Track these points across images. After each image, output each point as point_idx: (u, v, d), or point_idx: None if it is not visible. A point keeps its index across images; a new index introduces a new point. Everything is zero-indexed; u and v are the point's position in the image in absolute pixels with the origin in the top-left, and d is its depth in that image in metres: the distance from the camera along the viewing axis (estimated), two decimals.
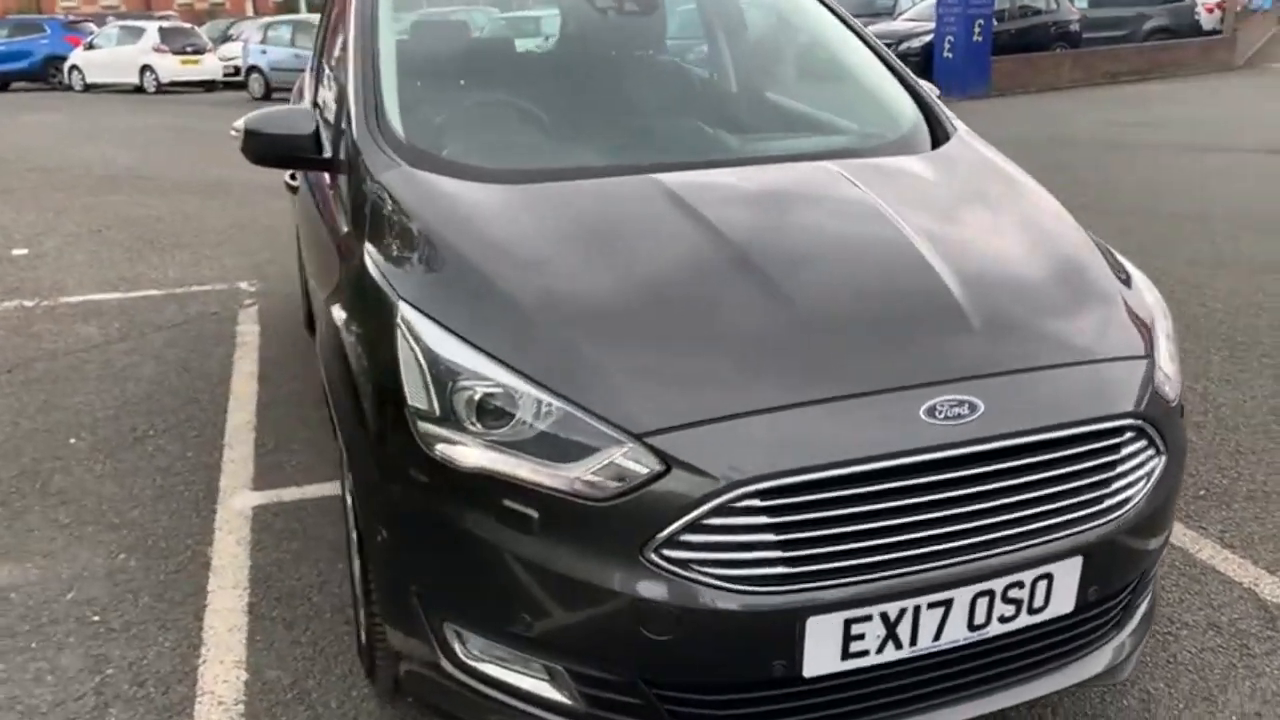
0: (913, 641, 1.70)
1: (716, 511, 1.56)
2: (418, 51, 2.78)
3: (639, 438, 1.59)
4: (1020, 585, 1.73)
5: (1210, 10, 22.77)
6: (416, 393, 1.77)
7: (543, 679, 1.74)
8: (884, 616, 1.66)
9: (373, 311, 1.98)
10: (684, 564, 1.59)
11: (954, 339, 1.79)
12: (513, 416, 1.68)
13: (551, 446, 1.64)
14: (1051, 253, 2.10)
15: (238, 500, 3.18)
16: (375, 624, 2.01)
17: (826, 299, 1.84)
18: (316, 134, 2.54)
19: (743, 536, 1.58)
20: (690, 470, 1.57)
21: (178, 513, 3.11)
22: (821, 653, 1.65)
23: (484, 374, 1.72)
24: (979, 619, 1.73)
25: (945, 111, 2.69)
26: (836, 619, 1.63)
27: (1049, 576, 1.75)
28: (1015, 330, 1.85)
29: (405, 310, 1.87)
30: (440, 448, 1.72)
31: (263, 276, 5.85)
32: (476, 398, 1.70)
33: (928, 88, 2.78)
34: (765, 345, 1.74)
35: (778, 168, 2.40)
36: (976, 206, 2.32)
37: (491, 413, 1.69)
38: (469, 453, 1.69)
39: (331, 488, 3.21)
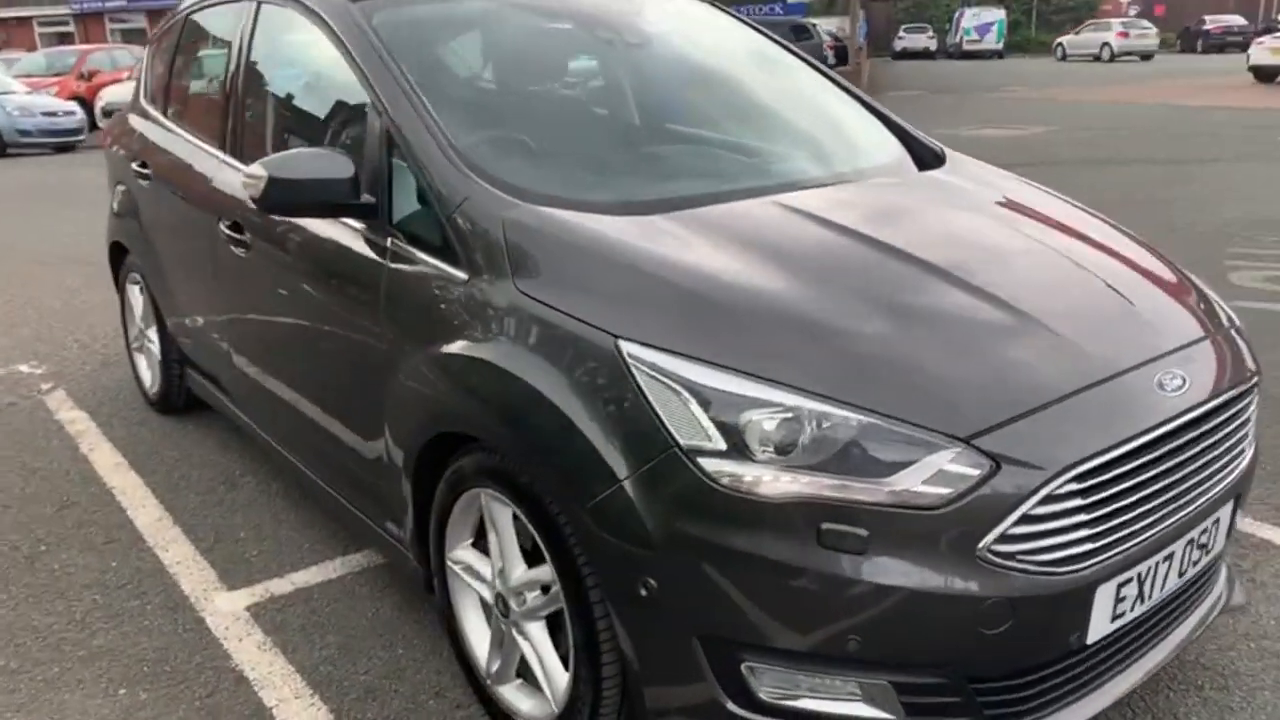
0: (1150, 596, 1.89)
1: (1042, 500, 1.66)
2: (457, 82, 2.60)
3: (966, 440, 1.65)
4: (1206, 531, 1.98)
5: (830, 48, 25.98)
6: (689, 430, 1.70)
7: (855, 698, 1.73)
8: (1138, 576, 1.83)
9: (568, 357, 1.86)
10: (1011, 556, 1.67)
11: (1136, 323, 2.02)
12: (808, 438, 1.66)
13: (862, 461, 1.65)
14: (1126, 247, 2.40)
15: (220, 603, 2.76)
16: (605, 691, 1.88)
17: (1032, 297, 1.99)
18: (356, 177, 2.31)
19: (1059, 521, 1.69)
20: (1018, 464, 1.65)
21: (154, 630, 2.64)
22: (1100, 619, 1.79)
23: (769, 399, 1.69)
24: (1185, 566, 1.96)
25: (926, 136, 2.96)
26: (1112, 585, 1.78)
27: (1218, 520, 2.02)
28: (1167, 313, 2.11)
29: (632, 348, 1.78)
30: (730, 481, 1.67)
31: (40, 356, 5.02)
32: (769, 425, 1.67)
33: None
34: (1018, 342, 1.86)
35: (861, 185, 2.53)
36: (1033, 212, 2.56)
37: (783, 437, 1.67)
38: (774, 481, 1.65)
39: (320, 571, 2.91)
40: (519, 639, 2.12)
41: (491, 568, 2.15)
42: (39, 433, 4.01)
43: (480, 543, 2.25)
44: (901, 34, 43.46)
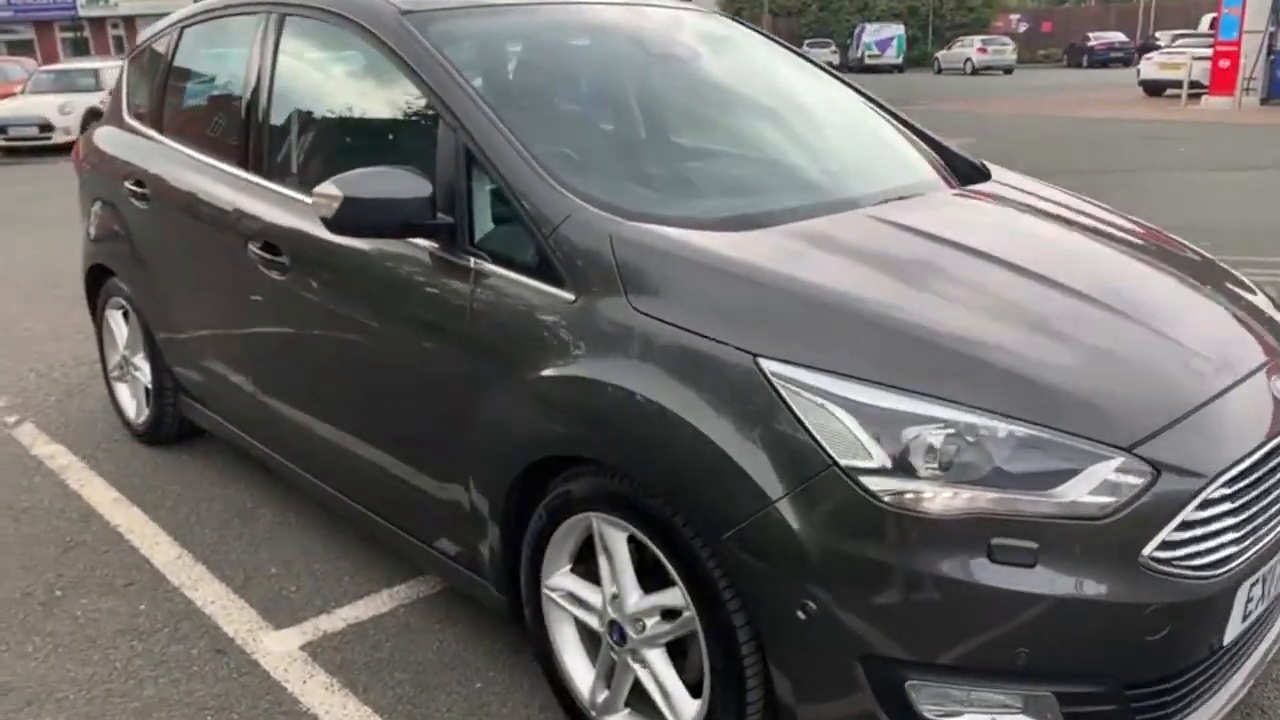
0: (1269, 594, 1.95)
1: (1199, 505, 1.70)
2: (529, 96, 2.52)
3: (1128, 449, 1.67)
4: None
5: None
6: (847, 448, 1.68)
7: (1017, 711, 1.73)
8: (1263, 578, 1.89)
9: (700, 376, 1.82)
10: (1169, 562, 1.69)
11: (1241, 328, 2.08)
12: (973, 452, 1.67)
13: (1028, 474, 1.66)
14: (1192, 254, 2.48)
15: (270, 644, 2.62)
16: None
17: (1146, 305, 2.04)
18: (434, 197, 2.23)
19: (1211, 525, 1.73)
20: (1177, 471, 1.68)
21: (207, 676, 2.49)
22: (1236, 619, 1.84)
23: (932, 415, 1.68)
24: None
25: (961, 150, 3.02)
26: (1247, 586, 1.83)
27: None
28: (1260, 317, 2.18)
29: (775, 366, 1.76)
30: (894, 498, 1.65)
31: None
32: (934, 440, 1.67)
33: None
34: (1153, 350, 1.90)
35: (933, 199, 2.57)
36: (1101, 220, 2.62)
37: (948, 452, 1.67)
38: (941, 498, 1.65)
39: (369, 605, 2.80)
40: (636, 667, 2.07)
41: (602, 594, 2.09)
42: (17, 469, 3.76)
43: (579, 568, 2.19)
44: (805, 48, 44.33)
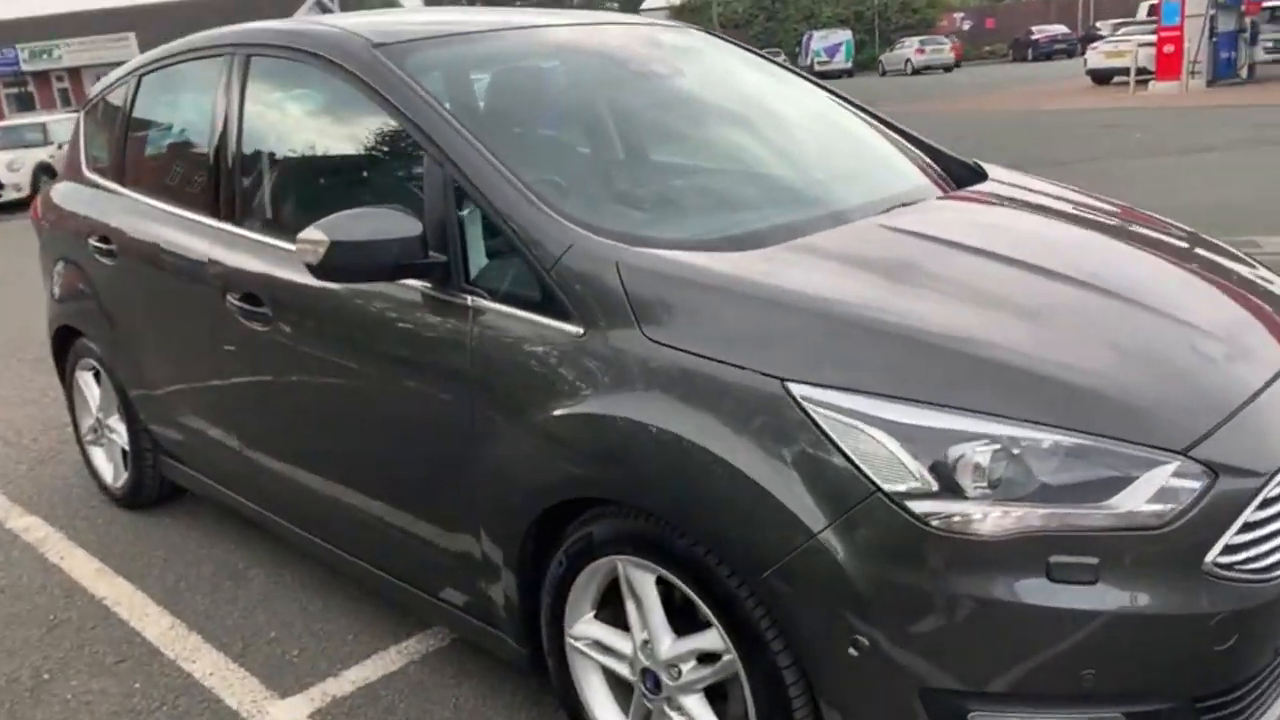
0: None
1: (1260, 505, 1.62)
2: (512, 124, 2.42)
3: (1183, 452, 1.60)
4: None
5: None
6: (890, 472, 1.60)
7: None
8: None
9: (726, 406, 1.73)
10: (1232, 567, 1.62)
11: (1265, 318, 2.02)
12: (1022, 467, 1.58)
13: (1082, 486, 1.58)
14: (1203, 244, 2.42)
15: (277, 714, 2.49)
16: None
17: (1174, 301, 1.98)
18: (424, 235, 2.13)
19: (1272, 525, 1.66)
20: (1235, 471, 1.61)
21: None
22: None
23: (975, 431, 1.60)
24: None
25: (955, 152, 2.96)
26: None
27: None
28: (1274, 301, 2.13)
29: (805, 390, 1.67)
30: (943, 522, 1.57)
31: None
32: (980, 458, 1.58)
33: None
34: (1190, 346, 1.83)
35: (939, 201, 2.50)
36: (1107, 215, 2.58)
37: (995, 469, 1.58)
38: (993, 518, 1.56)
39: (377, 665, 2.68)
40: (673, 715, 1.96)
41: (632, 641, 1.99)
42: None
43: (604, 614, 2.09)
44: None
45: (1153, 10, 32.14)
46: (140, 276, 3.21)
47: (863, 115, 3.06)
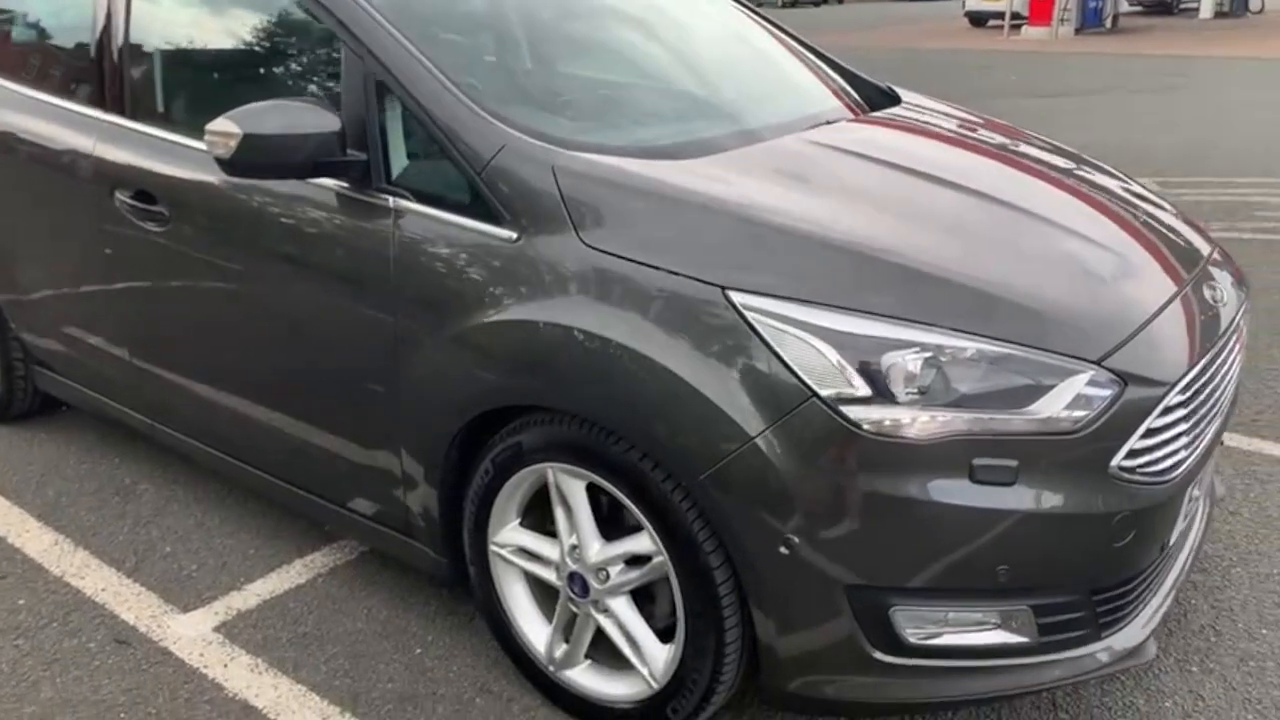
0: (1199, 495, 2.04)
1: (1161, 413, 1.73)
2: (425, 16, 2.30)
3: (1098, 362, 1.69)
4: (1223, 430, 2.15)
5: None
6: (826, 378, 1.64)
7: (995, 627, 1.75)
8: (1199, 479, 1.97)
9: (666, 314, 1.73)
10: (1134, 470, 1.73)
11: (1170, 240, 2.13)
12: (950, 374, 1.65)
13: (1005, 392, 1.66)
14: (1110, 170, 2.53)
15: (179, 629, 2.41)
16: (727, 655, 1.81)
17: (1084, 221, 2.07)
18: (343, 131, 2.04)
19: (1168, 432, 1.77)
20: (1140, 381, 1.71)
21: (113, 669, 2.27)
22: (1179, 520, 1.91)
23: (908, 339, 1.65)
24: (1214, 465, 2.12)
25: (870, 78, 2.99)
26: (1190, 488, 1.90)
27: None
28: (1183, 229, 2.24)
29: (745, 299, 1.69)
30: (874, 426, 1.62)
31: None
32: (912, 365, 1.64)
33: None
34: (1100, 264, 1.91)
35: (862, 120, 2.55)
36: (1020, 140, 2.66)
37: (926, 376, 1.64)
38: (922, 422, 1.63)
39: (281, 578, 2.63)
40: (599, 618, 1.99)
41: (560, 546, 2.00)
42: None
43: (526, 521, 2.09)
44: None
45: None
46: (8, 172, 2.96)
47: (782, 36, 3.06)
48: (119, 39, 2.61)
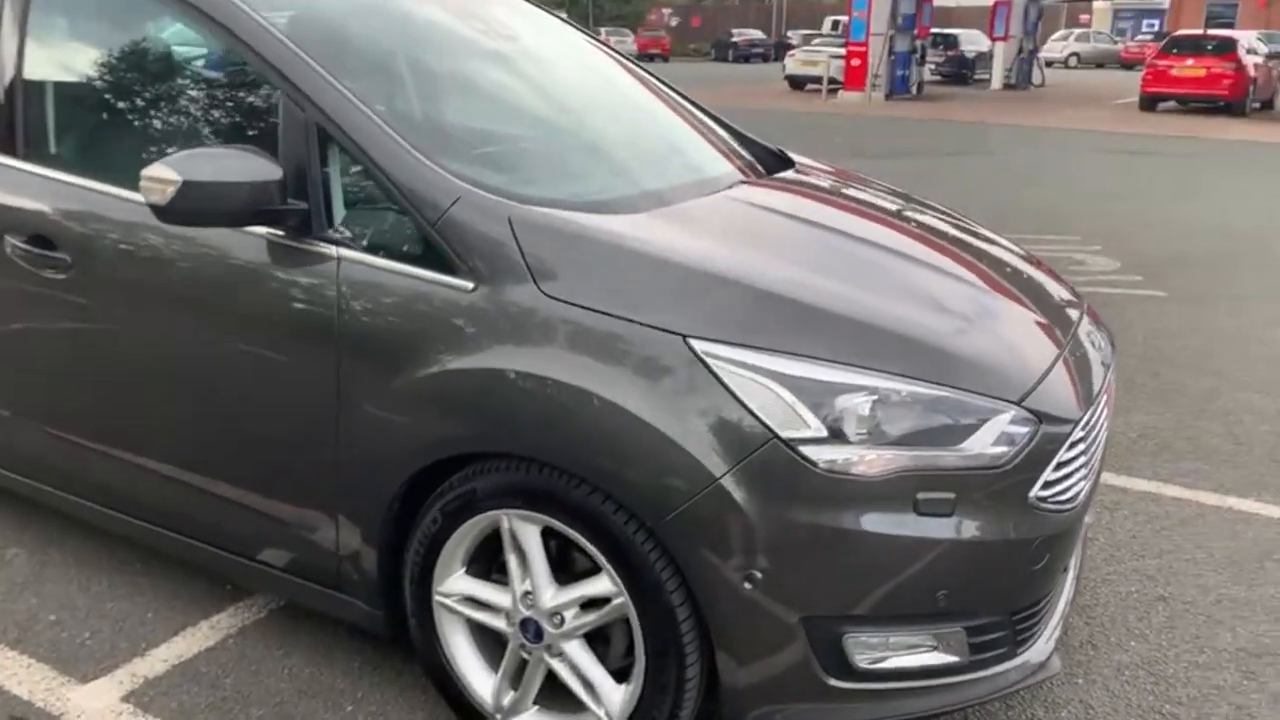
0: (1089, 521, 2.27)
1: (1068, 447, 1.94)
2: (379, 75, 2.31)
3: (1018, 403, 1.87)
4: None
5: None
6: (785, 421, 1.76)
7: (933, 649, 1.89)
8: (1091, 507, 2.20)
9: (625, 360, 1.81)
10: (1046, 500, 1.92)
11: (1055, 296, 2.39)
12: (895, 416, 1.80)
13: (942, 431, 1.82)
14: (989, 232, 2.79)
15: (82, 700, 2.26)
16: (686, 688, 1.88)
17: (985, 278, 2.28)
18: (285, 180, 2.03)
19: (1072, 465, 1.98)
20: (1051, 420, 1.91)
21: None
22: (1077, 544, 2.14)
23: (857, 383, 1.79)
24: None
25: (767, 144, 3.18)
26: (1085, 515, 2.13)
27: None
28: (1060, 287, 2.50)
29: (706, 346, 1.80)
30: (829, 464, 1.75)
31: None
32: (862, 408, 1.78)
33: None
34: (1009, 317, 2.14)
35: (774, 181, 2.72)
36: (911, 205, 2.89)
37: (874, 417, 1.79)
38: (872, 459, 1.77)
39: (188, 641, 2.53)
40: (552, 662, 2.02)
41: (511, 593, 2.02)
42: None
43: (470, 570, 2.10)
44: None
45: (837, 25, 35.33)
46: None
47: (691, 105, 3.21)
48: (10, 76, 2.48)
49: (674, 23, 50.80)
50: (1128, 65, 35.32)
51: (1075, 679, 2.44)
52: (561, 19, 3.25)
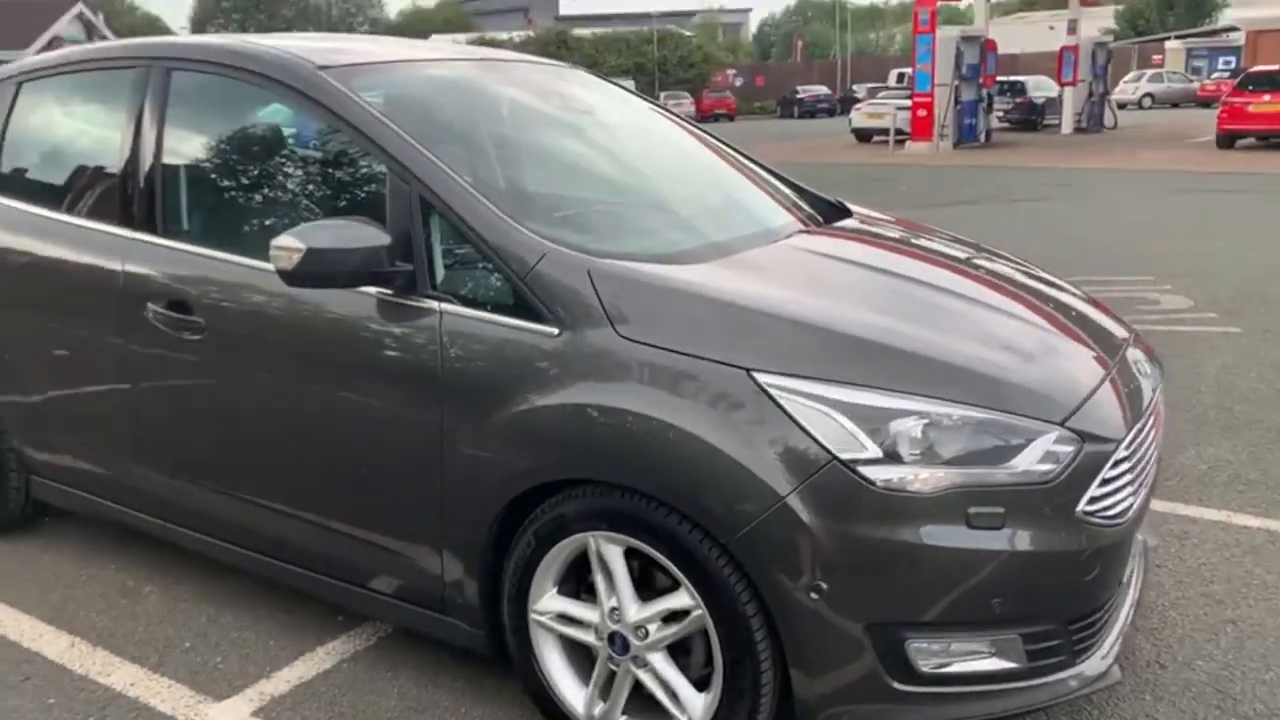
0: (1143, 538, 2.39)
1: (1112, 465, 2.09)
2: (466, 146, 2.61)
3: (1061, 424, 2.03)
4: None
5: None
6: (843, 444, 1.94)
7: (989, 655, 2.03)
8: (1142, 525, 2.33)
9: (697, 393, 2.02)
10: (1094, 514, 2.07)
11: (1101, 325, 2.55)
12: (946, 437, 1.97)
13: (991, 451, 1.99)
14: (1023, 265, 2.96)
15: (218, 715, 2.51)
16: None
17: (1033, 311, 2.46)
18: (393, 245, 2.31)
19: (1118, 482, 2.12)
20: (1095, 439, 2.06)
21: None
22: (1129, 559, 2.26)
23: (910, 409, 1.97)
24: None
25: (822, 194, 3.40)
26: (1136, 532, 2.25)
27: None
28: (1106, 316, 2.66)
29: (768, 378, 2.00)
30: (886, 483, 1.93)
31: None
32: (915, 431, 1.96)
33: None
34: (1055, 345, 2.31)
35: (831, 230, 2.95)
36: (958, 245, 3.09)
37: (926, 439, 1.96)
38: (926, 477, 1.94)
39: (308, 664, 2.77)
40: (638, 673, 2.20)
41: (600, 609, 2.22)
42: None
43: (561, 590, 2.30)
44: None
45: (902, 77, 35.59)
46: (26, 287, 3.12)
47: (749, 161, 3.46)
48: (150, 163, 2.83)
49: (738, 83, 51.62)
50: (1205, 103, 34.74)
51: (1142, 695, 2.53)
52: (627, 89, 3.54)
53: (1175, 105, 38.23)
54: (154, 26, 56.83)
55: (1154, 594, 3.00)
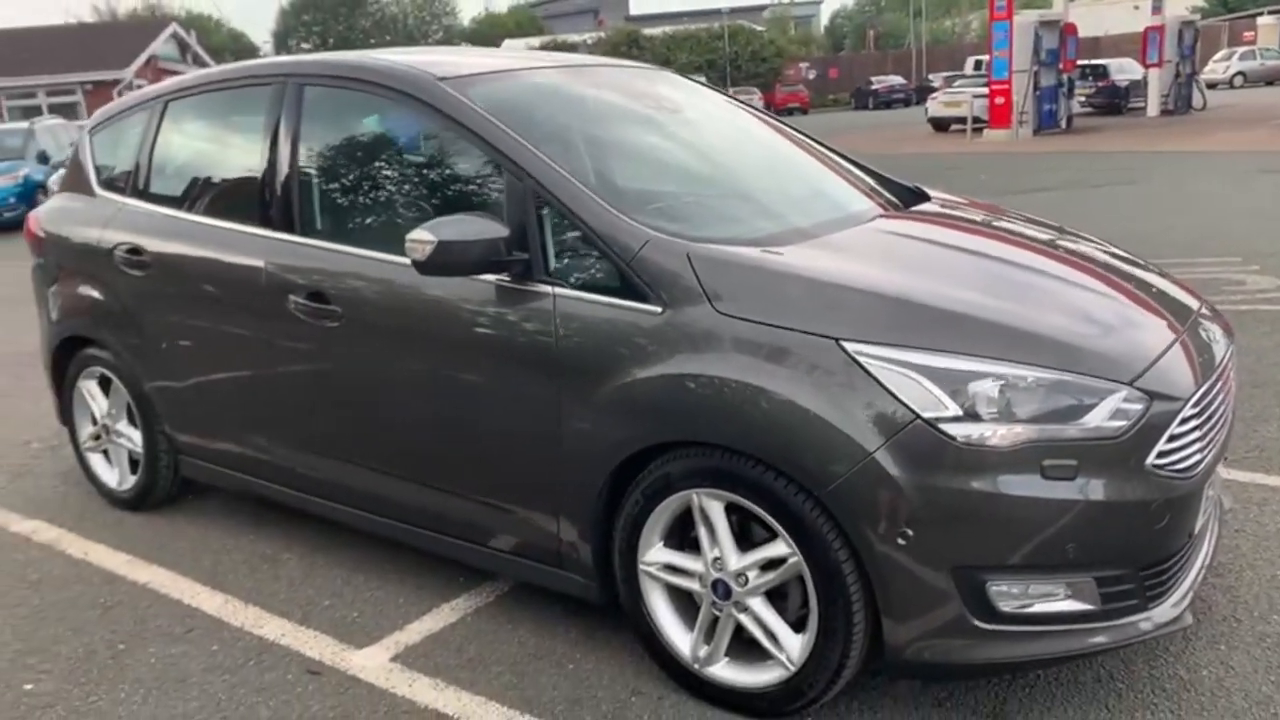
0: (1213, 496, 2.54)
1: (1180, 422, 2.25)
2: (567, 146, 2.88)
3: (1130, 384, 2.20)
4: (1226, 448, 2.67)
5: None
6: (926, 404, 2.14)
7: (1065, 597, 2.21)
8: (1212, 482, 2.47)
9: (792, 362, 2.24)
10: (1163, 468, 2.23)
11: (1170, 294, 2.69)
12: (1021, 396, 2.16)
13: (1063, 408, 2.16)
14: (1107, 243, 3.10)
15: (361, 661, 2.82)
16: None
17: (1104, 280, 2.63)
18: (511, 236, 2.57)
19: (1187, 438, 2.28)
20: (1162, 398, 2.23)
21: (314, 694, 2.67)
22: (1199, 513, 2.40)
23: (988, 371, 2.16)
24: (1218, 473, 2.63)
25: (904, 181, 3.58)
26: (1206, 487, 2.40)
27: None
28: (1176, 286, 2.80)
29: (856, 346, 2.20)
30: (966, 439, 2.12)
31: None
32: (992, 391, 2.15)
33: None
34: (1125, 312, 2.48)
35: (911, 213, 3.13)
36: (1029, 223, 3.25)
37: (1003, 398, 2.15)
38: (1003, 434, 2.13)
39: (435, 618, 3.05)
40: (740, 617, 2.43)
41: (704, 559, 2.45)
42: (6, 546, 3.72)
43: (667, 543, 2.54)
44: None
45: (979, 65, 35.05)
46: (177, 284, 3.47)
47: (829, 150, 3.66)
48: (287, 169, 3.15)
49: (812, 75, 51.38)
50: None
51: (1217, 645, 2.67)
52: (701, 83, 3.77)
53: (1270, 83, 36.89)
54: (239, 42, 58.96)
55: (1230, 556, 3.12)
